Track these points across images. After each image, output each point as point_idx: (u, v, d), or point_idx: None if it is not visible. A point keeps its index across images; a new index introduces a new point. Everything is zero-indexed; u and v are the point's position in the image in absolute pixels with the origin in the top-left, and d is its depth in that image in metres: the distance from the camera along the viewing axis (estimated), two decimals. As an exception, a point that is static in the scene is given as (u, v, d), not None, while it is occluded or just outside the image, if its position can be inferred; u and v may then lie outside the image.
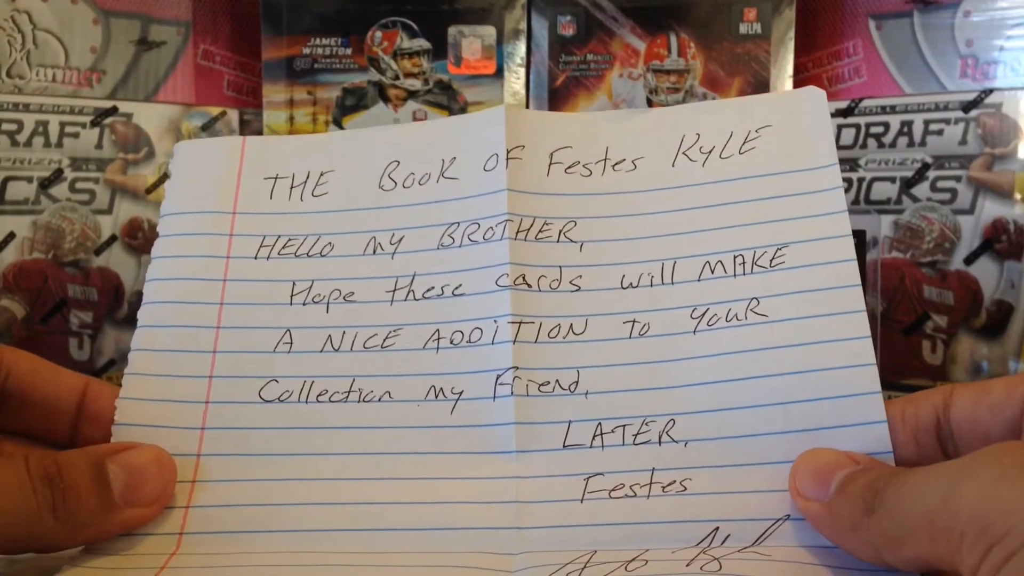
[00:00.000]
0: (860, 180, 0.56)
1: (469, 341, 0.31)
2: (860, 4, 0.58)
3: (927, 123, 0.54)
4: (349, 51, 0.58)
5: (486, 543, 0.29)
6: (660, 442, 0.30)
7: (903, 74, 0.56)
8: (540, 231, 0.33)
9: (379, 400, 0.31)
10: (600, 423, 0.30)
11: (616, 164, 0.33)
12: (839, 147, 0.54)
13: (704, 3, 0.57)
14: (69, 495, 0.26)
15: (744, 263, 0.31)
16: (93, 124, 0.55)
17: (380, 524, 0.29)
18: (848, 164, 0.56)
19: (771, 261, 0.31)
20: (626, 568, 0.27)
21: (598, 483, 0.29)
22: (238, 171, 0.34)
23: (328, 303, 0.33)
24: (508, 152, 0.33)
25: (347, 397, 0.31)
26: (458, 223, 0.33)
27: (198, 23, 0.60)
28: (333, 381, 0.31)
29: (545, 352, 0.31)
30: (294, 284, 0.33)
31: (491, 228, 0.32)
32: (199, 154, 0.35)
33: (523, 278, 0.32)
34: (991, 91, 0.52)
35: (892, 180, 0.54)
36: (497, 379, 0.31)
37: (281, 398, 0.31)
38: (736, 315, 0.31)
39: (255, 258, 0.33)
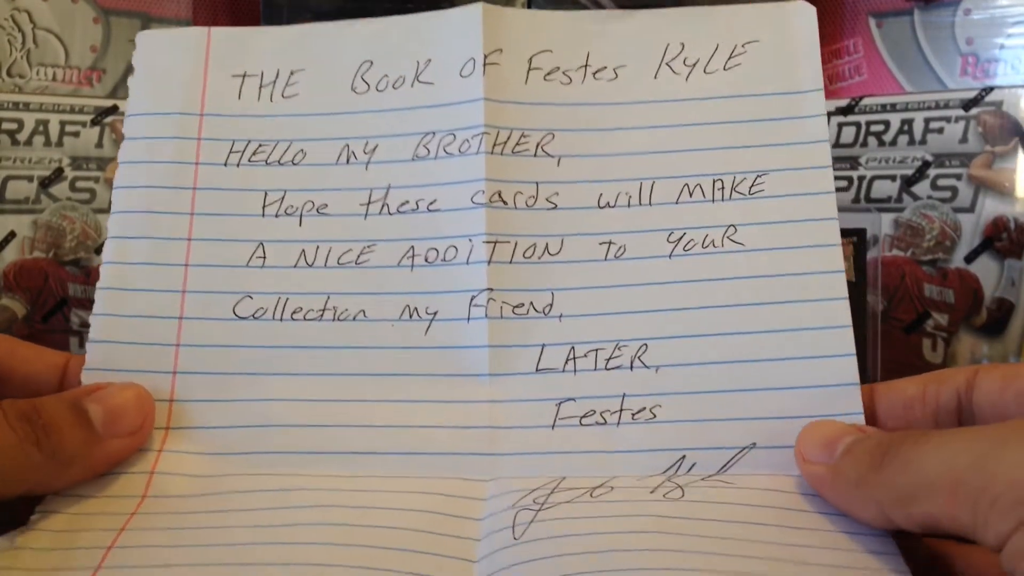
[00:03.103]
0: (860, 178, 0.56)
1: (444, 260, 0.31)
2: (860, 2, 0.58)
3: (927, 121, 0.54)
4: (349, 50, 0.58)
5: (459, 468, 0.29)
6: (632, 367, 0.30)
7: (903, 72, 0.56)
8: (517, 144, 0.32)
9: (354, 319, 0.31)
10: (573, 347, 0.30)
11: (597, 72, 0.32)
12: (839, 146, 0.54)
13: (704, 3, 0.57)
14: (51, 430, 0.26)
15: (723, 188, 0.31)
16: (93, 123, 0.55)
17: (354, 447, 0.29)
18: (848, 162, 0.56)
19: (750, 188, 0.31)
20: (591, 495, 0.27)
21: (569, 409, 0.29)
22: (204, 67, 0.33)
23: (301, 215, 0.32)
24: (486, 57, 0.32)
25: (322, 315, 0.31)
26: (434, 133, 0.32)
27: (198, 21, 0.60)
28: (307, 298, 0.31)
29: (520, 273, 0.31)
30: (266, 194, 0.32)
31: (467, 141, 0.31)
32: (162, 46, 0.34)
33: (499, 195, 0.31)
34: (991, 89, 0.52)
35: (892, 178, 0.54)
36: (471, 300, 0.30)
37: (255, 315, 0.31)
38: (713, 241, 0.30)
39: (225, 165, 0.32)
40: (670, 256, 0.30)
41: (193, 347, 0.30)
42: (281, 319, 0.31)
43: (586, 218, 0.31)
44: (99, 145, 0.55)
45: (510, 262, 0.31)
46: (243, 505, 0.28)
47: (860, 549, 0.25)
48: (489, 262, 0.30)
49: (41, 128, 0.54)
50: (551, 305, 0.30)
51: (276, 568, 0.26)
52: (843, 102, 0.56)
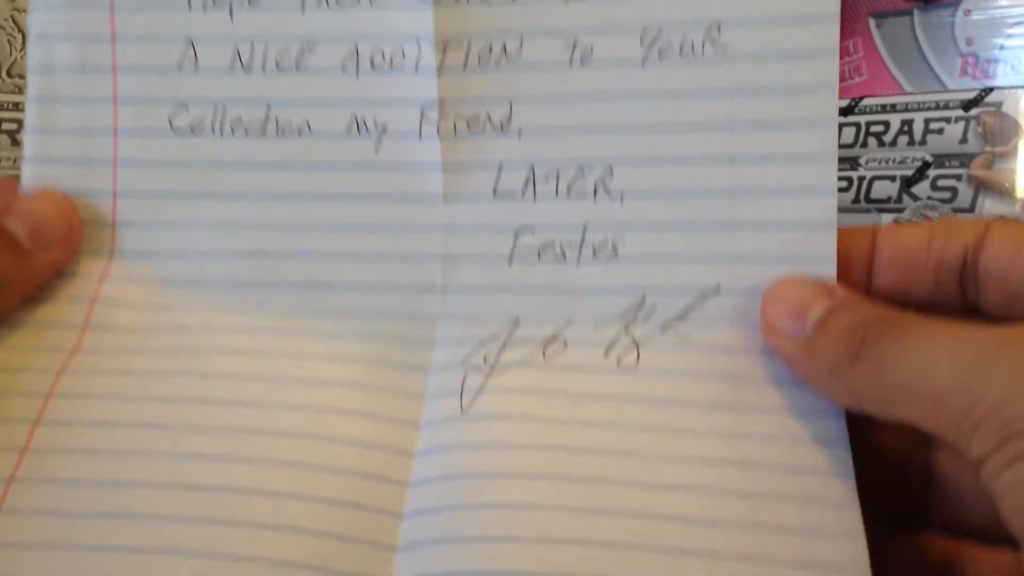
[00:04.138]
0: (860, 179, 0.56)
1: (391, 66, 0.28)
2: (860, 3, 0.58)
3: (927, 122, 0.54)
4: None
5: (408, 305, 0.28)
6: (595, 195, 0.28)
7: (903, 73, 0.56)
8: None
9: (298, 134, 0.28)
10: (533, 168, 0.28)
11: None
12: (839, 146, 0.54)
13: None
14: None
15: None
16: (93, 123, 0.55)
17: (299, 277, 0.28)
18: (848, 163, 0.56)
19: None
20: (544, 354, 0.27)
21: (528, 240, 0.28)
22: None
23: (231, 6, 0.29)
24: None
25: (264, 129, 0.29)
26: None
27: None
28: (247, 109, 0.29)
29: (475, 81, 0.28)
30: None
31: None
32: None
33: None
34: (991, 89, 0.52)
35: (892, 179, 0.54)
36: (422, 114, 0.28)
37: (193, 128, 0.29)
38: (693, 45, 0.27)
39: None
40: (643, 63, 0.27)
41: (131, 166, 0.29)
42: (221, 133, 0.29)
43: (549, 11, 0.28)
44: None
45: (464, 68, 0.28)
46: (185, 346, 0.27)
47: (811, 438, 0.25)
48: (440, 69, 0.28)
49: (41, 128, 0.54)
50: (509, 118, 0.28)
51: (215, 436, 0.25)
52: (843, 103, 0.56)
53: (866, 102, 0.56)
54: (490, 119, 0.28)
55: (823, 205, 0.26)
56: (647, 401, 0.26)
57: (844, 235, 0.27)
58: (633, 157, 0.27)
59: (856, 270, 0.27)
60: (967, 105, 0.53)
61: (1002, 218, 0.28)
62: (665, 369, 0.26)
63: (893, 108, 0.55)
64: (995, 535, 0.24)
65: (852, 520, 0.24)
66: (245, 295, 0.28)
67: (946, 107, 0.53)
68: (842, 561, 0.23)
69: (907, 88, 0.56)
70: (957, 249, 0.25)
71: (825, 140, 0.26)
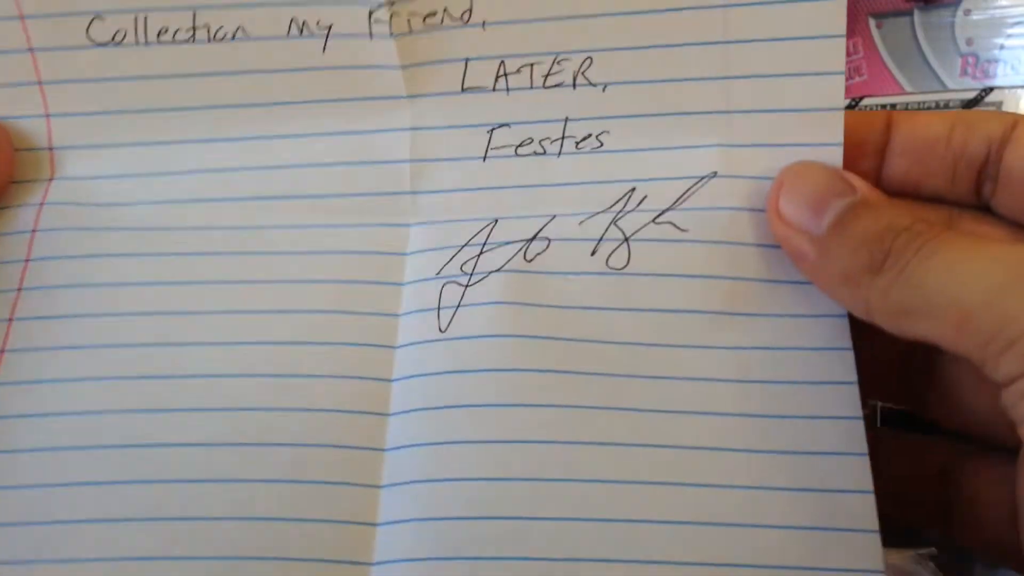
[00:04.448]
0: (861, 178, 0.56)
1: None
2: (860, 3, 0.58)
3: (928, 121, 0.54)
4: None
5: (376, 214, 0.26)
6: (575, 85, 0.25)
7: (904, 73, 0.57)
8: None
9: (233, 38, 0.26)
10: (503, 61, 0.25)
11: None
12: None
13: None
14: None
15: None
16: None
17: (253, 191, 0.26)
18: (849, 162, 0.56)
19: None
20: (525, 256, 0.25)
21: (503, 137, 0.26)
22: None
23: None
24: None
25: (193, 35, 0.26)
26: None
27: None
28: (171, 14, 0.26)
29: None
30: None
31: None
32: None
33: None
34: (991, 89, 0.52)
35: (893, 178, 0.54)
36: (371, 15, 0.25)
37: (116, 40, 0.26)
38: None
39: None
40: None
41: (58, 84, 0.27)
42: (147, 42, 0.26)
43: None
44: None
45: None
46: (133, 277, 0.26)
47: (811, 347, 0.23)
48: None
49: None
50: (470, 11, 0.25)
51: (174, 386, 0.24)
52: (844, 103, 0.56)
53: (866, 102, 0.56)
54: (448, 12, 0.25)
55: (830, 87, 0.24)
56: (638, 311, 0.24)
57: (856, 117, 0.25)
58: (615, 44, 0.25)
59: (867, 156, 0.25)
60: (967, 105, 0.53)
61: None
62: (656, 270, 0.24)
63: (893, 108, 0.55)
64: (990, 441, 0.23)
65: (856, 437, 0.23)
66: (195, 215, 0.26)
67: (946, 107, 0.53)
68: (846, 484, 0.22)
69: (907, 88, 0.56)
70: (980, 143, 0.24)
71: (832, 16, 0.24)
